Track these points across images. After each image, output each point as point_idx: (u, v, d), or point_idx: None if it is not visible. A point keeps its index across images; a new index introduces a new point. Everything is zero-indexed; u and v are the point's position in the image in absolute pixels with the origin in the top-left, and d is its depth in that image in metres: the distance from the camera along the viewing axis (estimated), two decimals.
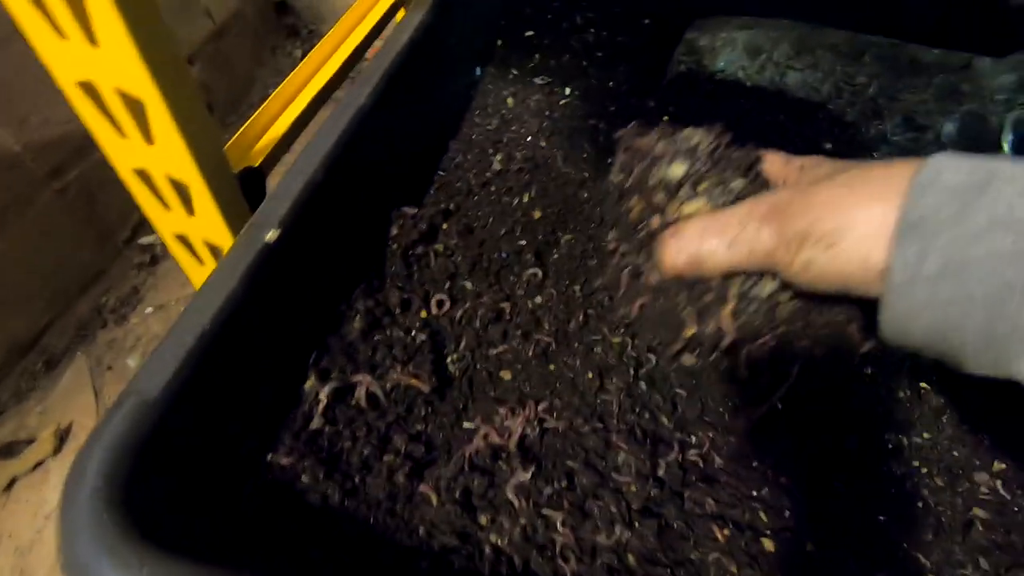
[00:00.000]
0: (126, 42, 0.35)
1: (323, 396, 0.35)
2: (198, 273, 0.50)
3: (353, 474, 0.33)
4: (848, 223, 0.23)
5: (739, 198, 0.30)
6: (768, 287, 0.29)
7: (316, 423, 0.34)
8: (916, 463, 0.38)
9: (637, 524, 0.33)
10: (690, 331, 0.31)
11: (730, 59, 0.64)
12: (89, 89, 0.41)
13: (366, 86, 0.44)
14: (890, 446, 0.39)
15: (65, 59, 0.39)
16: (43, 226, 0.62)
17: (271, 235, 0.32)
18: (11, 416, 0.60)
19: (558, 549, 0.31)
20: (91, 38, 0.36)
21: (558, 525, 0.32)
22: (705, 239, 0.28)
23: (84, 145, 0.67)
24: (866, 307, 0.25)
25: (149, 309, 0.70)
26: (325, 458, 0.33)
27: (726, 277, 0.29)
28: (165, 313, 0.70)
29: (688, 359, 0.33)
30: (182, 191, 0.43)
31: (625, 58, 0.65)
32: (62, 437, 0.59)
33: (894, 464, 0.38)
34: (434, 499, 0.32)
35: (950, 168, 0.21)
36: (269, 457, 0.32)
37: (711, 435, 0.37)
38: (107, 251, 0.71)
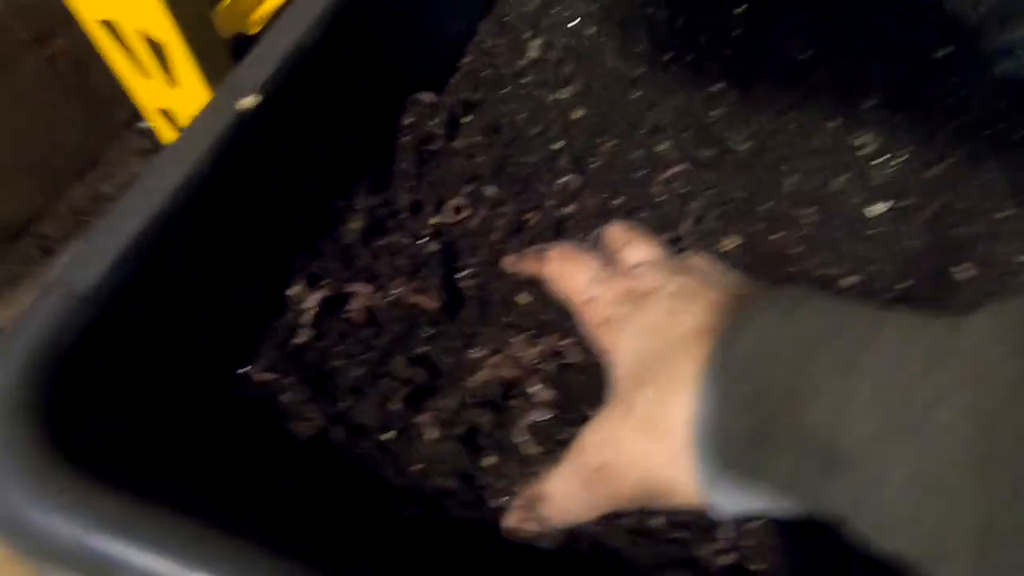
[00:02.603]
0: None
1: (311, 305, 0.30)
2: None
3: (341, 398, 0.28)
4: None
5: None
6: None
7: (302, 336, 0.29)
8: None
9: None
10: None
11: None
12: None
13: None
14: None
15: None
16: (31, 98, 0.57)
17: (249, 101, 0.25)
18: (4, 302, 0.58)
19: None
20: None
21: None
22: None
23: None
24: None
25: None
26: (310, 377, 0.28)
27: None
28: None
29: None
30: (161, 55, 0.36)
31: None
32: None
33: None
34: (434, 433, 0.28)
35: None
36: (243, 370, 0.27)
37: None
38: (104, 134, 0.65)
